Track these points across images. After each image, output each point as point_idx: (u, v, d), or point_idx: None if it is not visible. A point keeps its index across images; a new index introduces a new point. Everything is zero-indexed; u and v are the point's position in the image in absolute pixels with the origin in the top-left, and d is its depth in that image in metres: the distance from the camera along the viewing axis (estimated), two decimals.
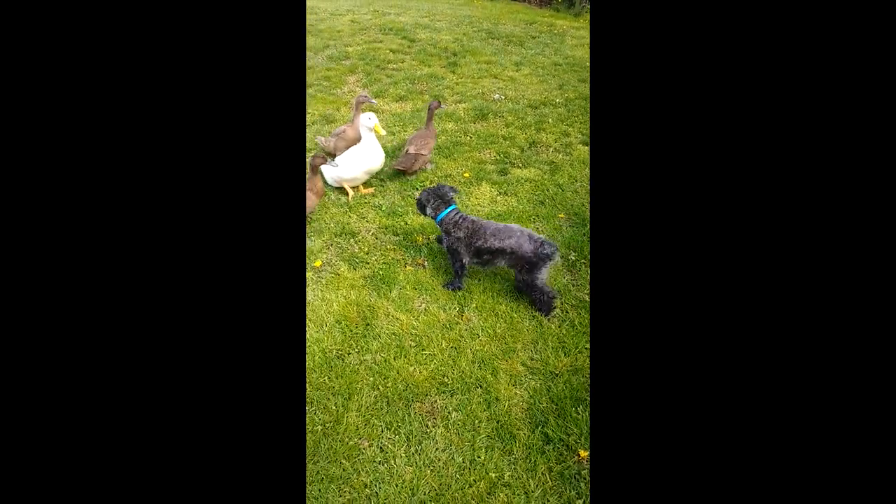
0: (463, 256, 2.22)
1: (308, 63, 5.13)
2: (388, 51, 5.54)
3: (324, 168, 2.96)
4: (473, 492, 1.54)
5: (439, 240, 2.44)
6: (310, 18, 6.62)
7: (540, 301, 2.12)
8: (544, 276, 2.09)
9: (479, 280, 2.37)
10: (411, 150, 3.11)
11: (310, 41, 5.72)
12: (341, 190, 3.04)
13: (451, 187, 2.32)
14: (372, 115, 2.87)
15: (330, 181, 3.01)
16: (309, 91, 4.48)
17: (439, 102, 3.16)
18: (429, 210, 2.30)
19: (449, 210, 2.26)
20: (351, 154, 2.92)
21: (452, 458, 1.63)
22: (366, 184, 3.10)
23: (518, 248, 2.09)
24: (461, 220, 2.22)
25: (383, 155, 2.94)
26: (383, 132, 2.99)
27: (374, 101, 3.32)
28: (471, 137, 3.75)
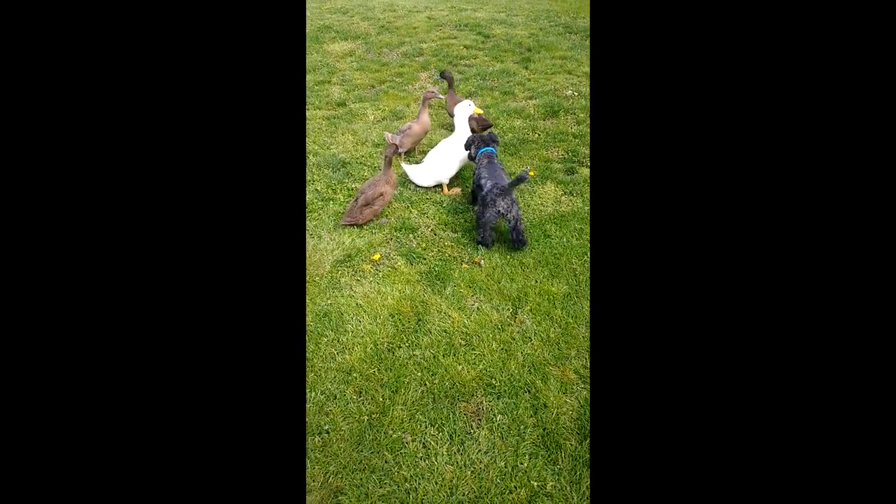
0: (475, 182, 2.70)
1: (383, 59, 5.26)
2: (461, 47, 5.54)
3: (411, 169, 3.01)
4: (514, 498, 1.50)
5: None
6: (388, 15, 6.77)
7: (481, 236, 2.55)
8: (488, 217, 2.47)
9: (536, 282, 2.31)
10: (478, 112, 3.13)
11: (386, 38, 5.85)
12: (408, 184, 3.08)
13: (495, 137, 2.80)
14: (470, 101, 2.95)
15: (425, 182, 3.02)
16: (381, 87, 4.59)
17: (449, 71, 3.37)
18: (472, 149, 2.80)
19: (485, 150, 2.73)
20: (445, 149, 2.94)
21: (494, 461, 1.60)
22: (451, 185, 3.09)
23: (483, 185, 2.54)
24: (487, 159, 2.68)
25: None
26: (481, 111, 3.09)
27: (441, 96, 3.33)
28: (539, 135, 3.66)
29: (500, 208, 2.43)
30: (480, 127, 3.44)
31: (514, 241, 2.49)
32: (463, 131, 2.93)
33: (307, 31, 6.14)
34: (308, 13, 7.01)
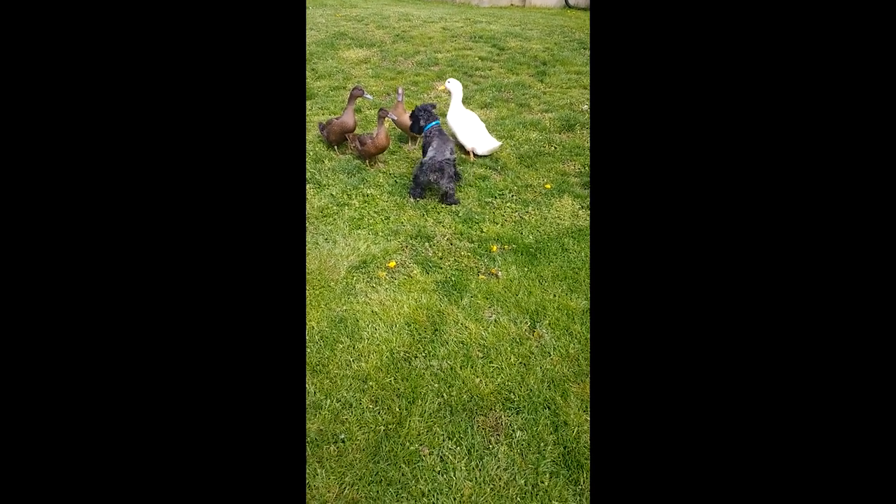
0: (426, 153, 3.00)
1: (398, 68, 5.27)
2: (476, 58, 5.56)
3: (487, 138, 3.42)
4: None
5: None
6: (403, 25, 6.81)
7: (412, 191, 3.03)
8: (422, 181, 2.95)
9: (555, 296, 2.27)
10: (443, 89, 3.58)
11: (401, 47, 5.87)
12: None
13: (430, 110, 3.15)
14: (452, 79, 3.40)
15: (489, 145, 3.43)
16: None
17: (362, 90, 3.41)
18: (422, 122, 3.11)
19: (433, 124, 3.08)
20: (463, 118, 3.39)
21: (514, 479, 1.56)
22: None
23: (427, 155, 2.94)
24: (437, 132, 3.04)
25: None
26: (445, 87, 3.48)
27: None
28: (555, 148, 3.65)
29: (431, 178, 2.89)
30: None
31: (442, 198, 2.97)
32: (457, 101, 3.39)
33: (322, 38, 6.17)
34: (323, 20, 7.06)
